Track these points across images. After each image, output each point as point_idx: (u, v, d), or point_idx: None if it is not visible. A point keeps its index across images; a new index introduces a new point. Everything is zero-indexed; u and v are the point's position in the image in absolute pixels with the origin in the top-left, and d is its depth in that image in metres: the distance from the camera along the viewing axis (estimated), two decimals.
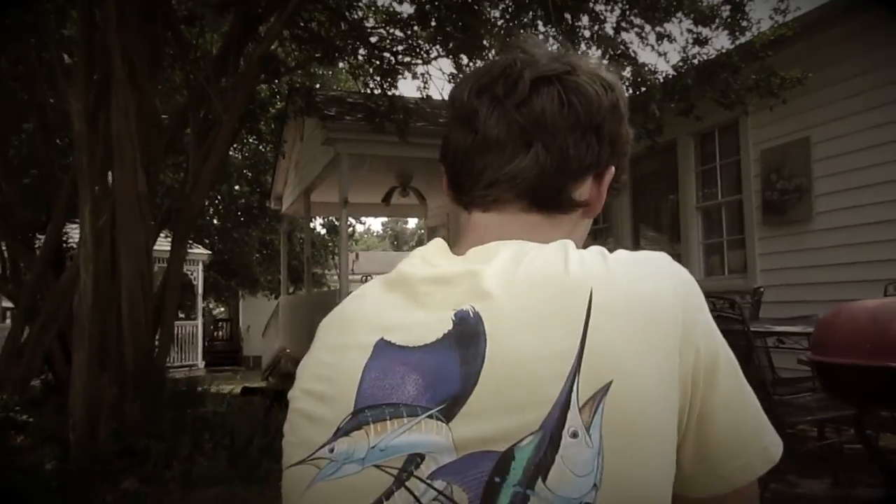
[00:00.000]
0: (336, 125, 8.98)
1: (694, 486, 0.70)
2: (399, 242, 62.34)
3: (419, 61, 8.91)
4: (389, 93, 8.94)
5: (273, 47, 9.53)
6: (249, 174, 18.06)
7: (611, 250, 0.75)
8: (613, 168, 0.83)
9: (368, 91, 8.89)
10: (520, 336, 0.65)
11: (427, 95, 8.91)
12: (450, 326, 0.67)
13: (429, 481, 0.62)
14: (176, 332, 14.53)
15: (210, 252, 15.64)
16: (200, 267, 15.08)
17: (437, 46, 8.58)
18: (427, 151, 9.51)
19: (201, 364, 15.38)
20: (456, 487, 0.61)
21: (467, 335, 0.66)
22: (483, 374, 0.63)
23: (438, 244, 0.81)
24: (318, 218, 21.16)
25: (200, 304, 15.73)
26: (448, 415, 0.63)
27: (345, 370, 0.70)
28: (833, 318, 2.57)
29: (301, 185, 11.96)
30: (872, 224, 5.57)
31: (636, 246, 8.87)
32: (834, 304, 5.80)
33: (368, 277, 14.21)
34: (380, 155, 9.30)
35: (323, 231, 21.49)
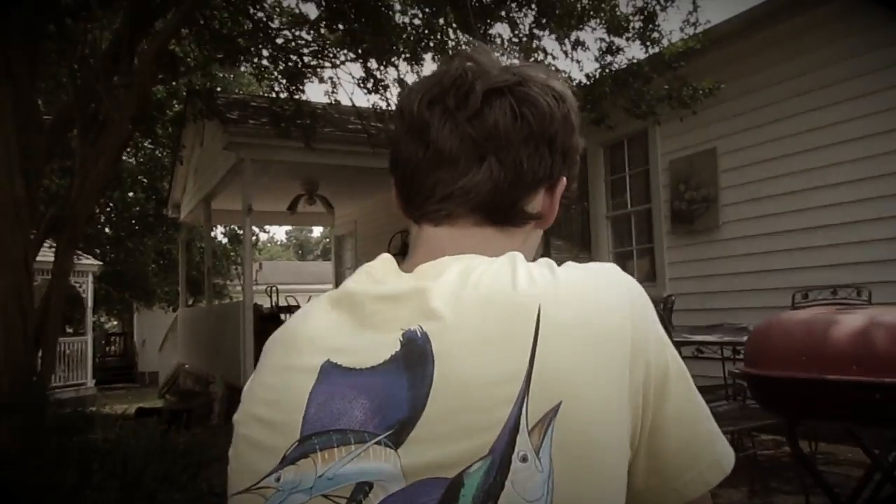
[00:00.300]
0: (239, 129, 8.56)
1: (648, 500, 0.69)
2: (304, 252, 61.19)
3: (328, 64, 8.62)
4: (296, 97, 8.61)
5: (172, 46, 9.05)
6: (145, 180, 17.16)
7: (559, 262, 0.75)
8: (565, 179, 0.82)
9: (273, 95, 8.52)
10: (468, 358, 0.63)
11: (336, 101, 8.62)
12: (397, 348, 0.65)
13: None
14: (62, 349, 13.58)
15: (101, 263, 14.68)
16: (90, 279, 14.13)
17: (346, 50, 8.32)
18: (335, 158, 9.21)
19: (91, 383, 14.41)
20: None
21: (415, 357, 0.64)
22: (431, 398, 0.61)
23: (385, 260, 0.78)
24: (219, 227, 20.40)
25: (90, 319, 14.73)
26: (396, 441, 0.61)
27: (290, 394, 0.67)
28: (766, 330, 2.50)
29: (201, 192, 11.39)
30: (776, 233, 5.70)
31: (546, 254, 8.85)
32: (742, 312, 6.00)
33: (273, 288, 13.71)
34: (285, 161, 8.94)
35: (224, 240, 20.72)
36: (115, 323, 25.62)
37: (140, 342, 22.46)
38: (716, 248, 6.27)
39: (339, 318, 0.72)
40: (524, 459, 0.59)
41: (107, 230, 18.25)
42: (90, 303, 14.35)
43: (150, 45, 5.26)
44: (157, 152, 16.20)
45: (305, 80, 8.54)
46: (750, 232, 5.94)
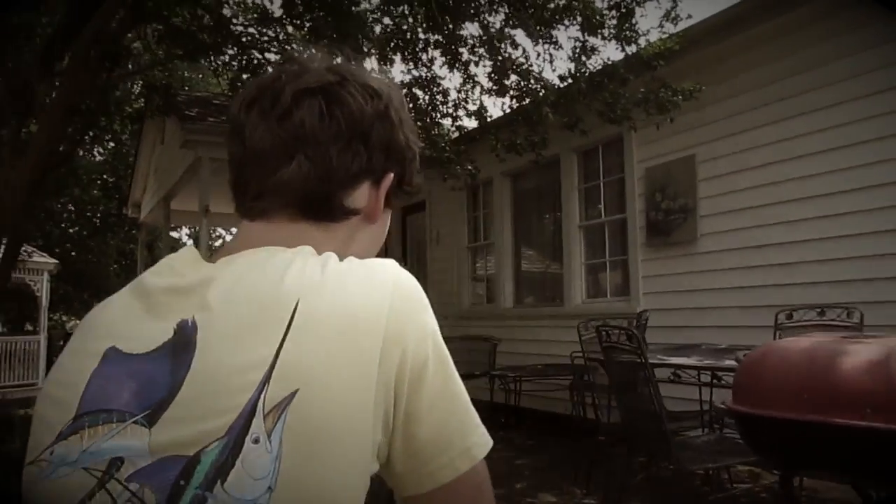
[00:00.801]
0: (196, 126, 8.08)
1: (407, 484, 0.73)
2: None
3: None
4: None
5: (134, 41, 8.56)
6: (110, 179, 16.54)
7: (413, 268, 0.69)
8: (392, 174, 0.85)
9: (234, 93, 8.04)
10: (222, 346, 0.67)
11: None
12: (170, 335, 0.70)
13: (125, 483, 0.64)
14: (13, 348, 12.94)
15: (56, 262, 14.03)
16: (45, 277, 13.50)
17: (311, 48, 7.89)
18: None
19: (42, 382, 13.79)
20: (147, 490, 0.63)
21: (181, 344, 0.68)
22: (186, 383, 0.66)
23: (190, 252, 0.81)
24: (184, 228, 19.76)
25: (45, 318, 14.08)
26: (151, 420, 0.65)
27: (76, 376, 0.72)
28: (760, 359, 2.12)
29: (160, 191, 10.85)
30: (759, 247, 5.36)
31: (517, 264, 8.48)
32: (721, 331, 5.62)
33: None
34: None
35: (189, 242, 20.12)
36: (77, 322, 24.84)
37: None
38: (693, 262, 5.91)
39: (132, 307, 0.75)
40: (256, 441, 0.63)
41: (67, 229, 17.59)
42: (45, 301, 13.70)
43: (85, 30, 4.79)
44: (122, 150, 15.60)
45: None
46: (730, 245, 5.59)
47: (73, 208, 16.05)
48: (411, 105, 7.73)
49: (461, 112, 7.33)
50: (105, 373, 0.70)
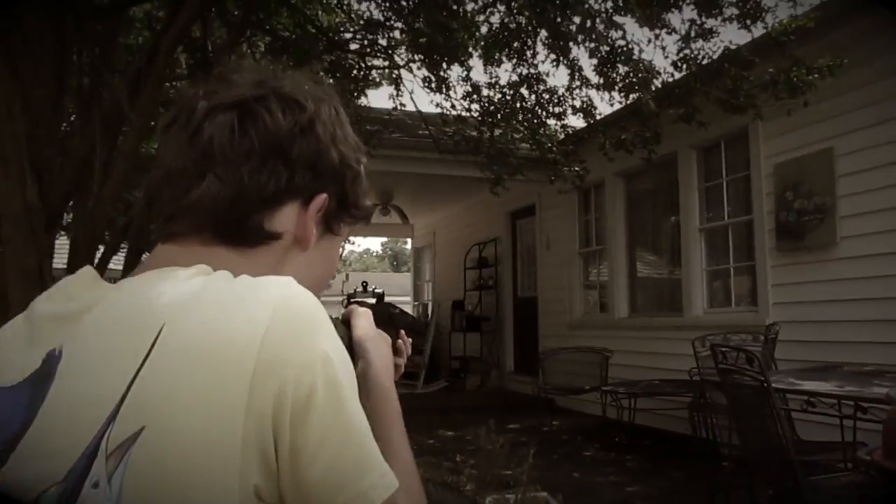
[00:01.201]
0: None
1: None
2: (398, 263, 61.38)
3: (394, 67, 8.03)
4: (359, 101, 8.09)
5: (243, 53, 8.71)
6: None
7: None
8: (325, 196, 0.78)
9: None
10: (81, 377, 0.62)
11: (400, 105, 8.04)
12: (38, 365, 0.64)
13: None
14: None
15: None
16: None
17: (412, 52, 7.72)
18: (406, 165, 8.61)
19: None
20: None
21: (43, 375, 0.63)
22: (38, 417, 0.61)
23: (87, 274, 0.75)
24: None
25: None
26: (3, 458, 0.60)
27: None
28: None
29: None
30: None
31: (631, 271, 7.92)
32: (865, 348, 4.85)
33: (349, 299, 13.25)
34: None
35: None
36: None
37: None
38: (832, 269, 5.20)
39: (18, 334, 0.70)
40: (96, 486, 0.57)
41: None
42: None
43: (170, 30, 4.76)
44: None
45: (368, 81, 8.01)
46: (875, 250, 4.86)
47: None
48: (517, 105, 7.38)
49: (568, 109, 6.91)
50: None
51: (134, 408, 0.58)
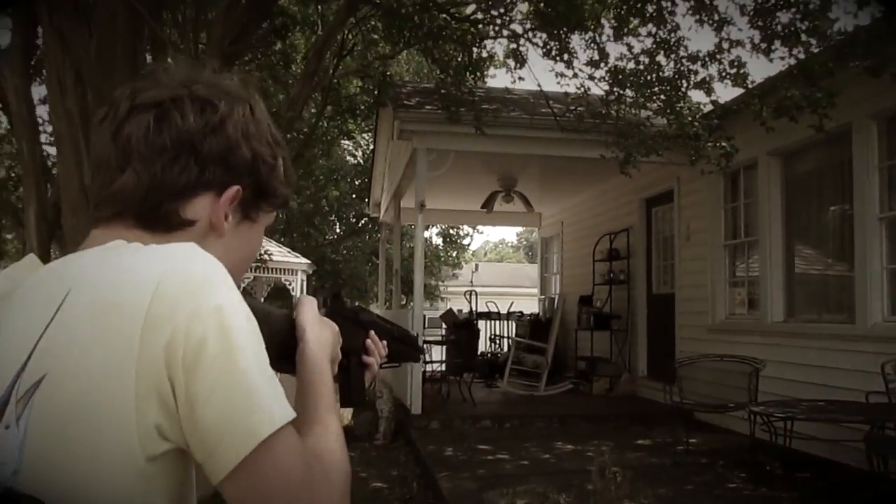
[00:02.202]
0: (410, 115, 7.42)
1: (209, 473, 0.70)
2: (533, 254, 60.30)
3: (514, 37, 7.20)
4: (476, 80, 7.36)
5: (345, 34, 8.22)
6: (356, 181, 16.97)
7: None
8: (237, 188, 0.85)
9: (448, 78, 7.25)
10: (4, 342, 0.71)
11: (519, 78, 7.22)
12: None
13: None
14: None
15: (310, 262, 14.54)
16: (300, 276, 14.01)
17: (532, 21, 6.87)
18: (527, 146, 7.73)
19: None
20: None
21: None
22: None
23: (29, 259, 0.84)
24: (434, 227, 19.82)
25: None
26: None
27: None
28: None
29: (391, 188, 10.53)
30: None
31: (788, 267, 6.66)
32: None
33: (472, 292, 12.59)
34: (466, 151, 7.64)
35: (439, 241, 20.17)
36: None
37: None
38: None
39: None
40: (7, 427, 0.66)
41: (324, 232, 18.44)
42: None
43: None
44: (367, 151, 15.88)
45: (484, 64, 7.25)
46: None
47: (327, 209, 16.70)
48: (652, 77, 6.36)
49: (714, 76, 5.81)
50: None
51: (39, 359, 0.68)
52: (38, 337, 0.68)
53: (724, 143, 5.74)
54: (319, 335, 0.91)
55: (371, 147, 14.50)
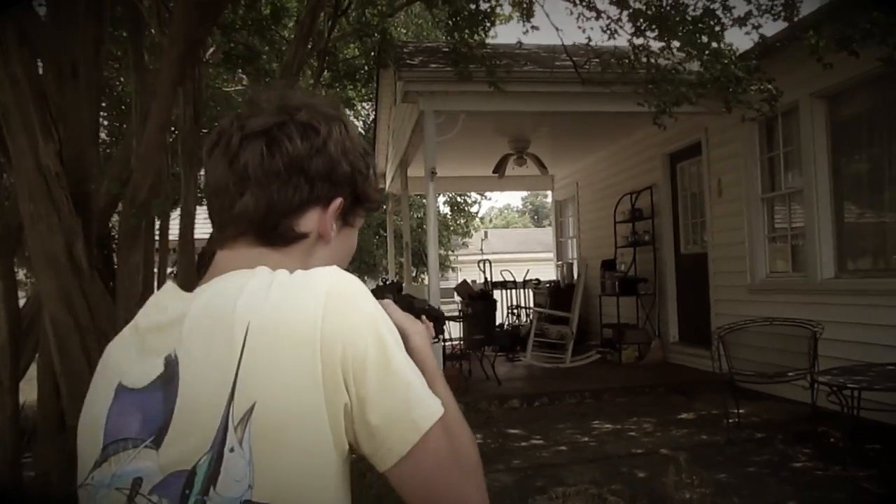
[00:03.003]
0: (415, 74, 6.76)
1: (377, 462, 0.80)
2: (539, 217, 59.56)
3: None
4: (487, 32, 6.66)
5: None
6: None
7: None
8: (341, 199, 0.93)
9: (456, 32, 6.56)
10: (197, 374, 0.78)
11: (532, 28, 6.52)
12: (161, 370, 0.81)
13: (148, 497, 0.77)
14: None
15: None
16: None
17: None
18: (542, 103, 7.04)
19: None
20: (164, 500, 0.76)
21: (168, 377, 0.80)
22: (176, 409, 0.78)
23: (171, 287, 0.91)
24: (442, 195, 19.14)
25: None
26: (157, 443, 0.78)
27: (98, 411, 0.84)
28: None
29: (397, 157, 9.89)
30: None
31: (838, 218, 6.03)
32: None
33: (486, 262, 12.00)
34: (477, 111, 6.98)
35: (447, 209, 19.49)
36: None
37: None
38: None
39: (131, 345, 0.87)
40: (232, 450, 0.75)
41: None
42: None
43: None
44: (369, 120, 15.16)
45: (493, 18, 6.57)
46: None
47: None
48: (680, 19, 5.67)
49: (752, 10, 5.13)
50: (118, 407, 0.82)
51: (244, 389, 0.75)
52: (234, 369, 0.75)
53: (769, 86, 5.08)
54: (416, 327, 0.99)
55: (372, 117, 13.84)
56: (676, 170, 8.51)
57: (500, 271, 12.02)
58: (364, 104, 14.00)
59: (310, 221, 0.91)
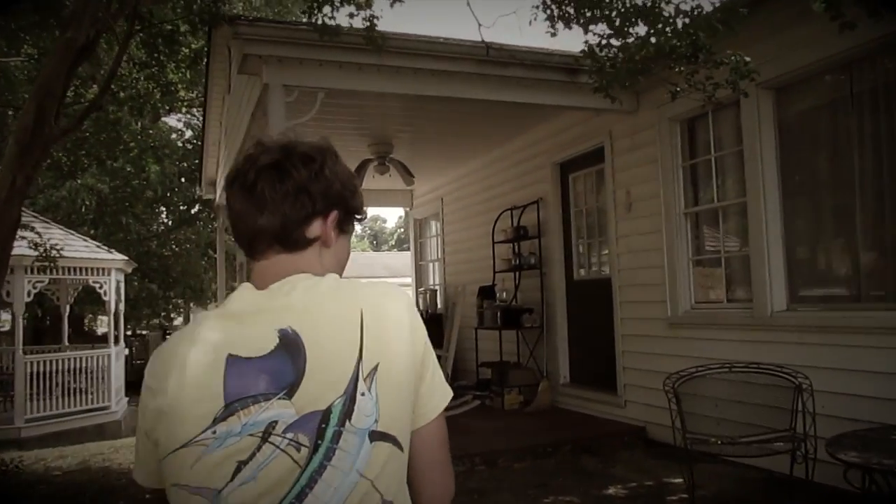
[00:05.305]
0: (258, 30, 4.81)
1: (419, 417, 1.12)
2: (378, 242, 57.96)
3: None
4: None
5: None
6: (185, 163, 13.80)
7: None
8: (336, 211, 1.17)
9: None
10: (325, 343, 1.03)
11: None
12: (277, 341, 1.02)
13: (282, 436, 0.98)
14: (76, 365, 10.31)
15: (126, 258, 11.29)
16: (114, 277, 10.78)
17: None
18: (423, 83, 5.33)
19: (119, 405, 11.07)
20: (300, 434, 0.99)
21: (291, 344, 1.02)
22: (307, 368, 1.00)
23: (246, 287, 1.13)
24: None
25: (113, 325, 11.33)
26: (290, 394, 0.99)
27: (209, 378, 1.00)
28: None
29: (230, 157, 7.81)
30: None
31: (789, 237, 4.84)
32: None
33: None
34: (341, 90, 5.18)
35: None
36: (179, 320, 22.67)
37: None
38: None
39: (228, 325, 1.06)
40: (363, 394, 1.02)
41: (147, 221, 15.05)
42: (114, 305, 10.97)
43: None
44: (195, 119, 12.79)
45: None
46: None
47: (150, 193, 13.37)
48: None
49: None
50: (235, 373, 1.00)
51: (369, 352, 1.04)
52: (359, 340, 1.04)
53: (745, 58, 3.75)
54: None
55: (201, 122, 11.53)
56: (569, 181, 7.15)
57: None
58: (192, 91, 11.61)
59: (315, 229, 1.15)
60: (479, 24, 4.59)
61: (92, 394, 10.52)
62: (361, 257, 32.05)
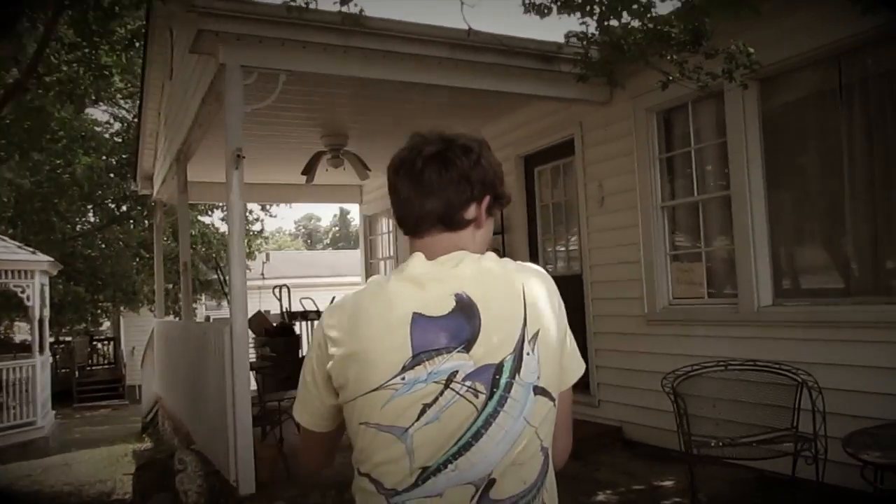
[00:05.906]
0: (213, 2, 4.37)
1: (563, 379, 1.28)
2: (312, 241, 56.91)
3: None
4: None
5: None
6: (113, 158, 12.96)
7: None
8: (488, 196, 1.30)
9: None
10: (496, 308, 1.18)
11: None
12: (454, 304, 1.17)
13: (462, 383, 1.13)
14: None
15: (51, 259, 10.46)
16: (37, 279, 9.96)
17: None
18: (392, 69, 4.96)
19: (43, 420, 10.22)
20: (477, 383, 1.14)
21: (467, 307, 1.17)
22: (482, 327, 1.15)
23: (420, 257, 1.26)
24: (217, 209, 16.08)
25: (38, 333, 10.47)
26: (467, 349, 1.14)
27: (396, 332, 1.15)
28: None
29: (171, 149, 7.25)
30: None
31: (774, 231, 4.71)
32: None
33: (282, 288, 9.62)
34: (306, 73, 4.77)
35: (222, 226, 16.52)
36: (108, 324, 21.48)
37: (129, 350, 18.32)
38: None
39: (408, 288, 1.20)
40: (528, 354, 1.17)
41: (74, 218, 14.10)
42: (38, 312, 10.14)
43: None
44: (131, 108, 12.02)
45: None
46: None
47: (76, 188, 12.48)
48: None
49: None
50: (421, 328, 1.15)
51: (532, 319, 1.20)
52: (522, 308, 1.19)
53: (748, 48, 3.56)
54: None
55: (135, 116, 10.73)
56: (534, 174, 6.91)
57: (301, 299, 9.71)
58: (123, 81, 10.89)
59: (471, 212, 1.29)
60: (462, 3, 4.25)
61: (14, 408, 9.68)
62: (301, 256, 31.18)
